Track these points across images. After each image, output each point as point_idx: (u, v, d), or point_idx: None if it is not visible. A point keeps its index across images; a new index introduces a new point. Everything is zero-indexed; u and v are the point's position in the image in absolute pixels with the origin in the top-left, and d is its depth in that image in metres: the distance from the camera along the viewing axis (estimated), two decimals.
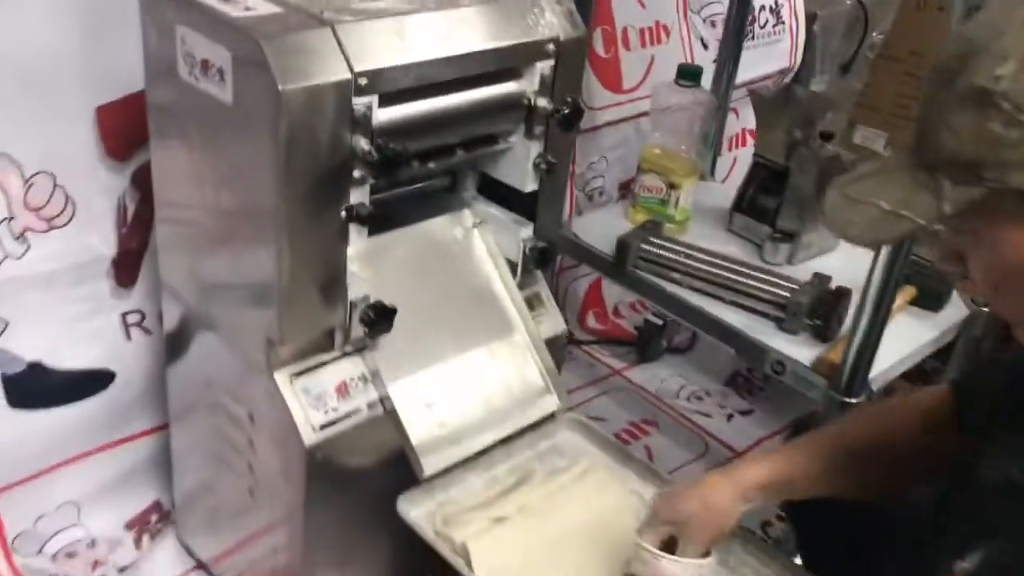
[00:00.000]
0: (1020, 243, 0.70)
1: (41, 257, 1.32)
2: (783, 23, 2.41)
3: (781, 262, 1.66)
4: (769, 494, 1.08)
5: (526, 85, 1.23)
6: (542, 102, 1.23)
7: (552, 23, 1.21)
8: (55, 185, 1.31)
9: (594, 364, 2.12)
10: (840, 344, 1.40)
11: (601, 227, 1.73)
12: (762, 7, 2.34)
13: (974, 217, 0.72)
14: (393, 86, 1.07)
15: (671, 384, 2.11)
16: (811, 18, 2.51)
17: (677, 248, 1.61)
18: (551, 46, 1.21)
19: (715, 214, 1.79)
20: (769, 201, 1.69)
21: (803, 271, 1.58)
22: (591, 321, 2.22)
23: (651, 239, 1.62)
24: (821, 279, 1.51)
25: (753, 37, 2.31)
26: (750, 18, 2.24)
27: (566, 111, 1.23)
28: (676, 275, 1.59)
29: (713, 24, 2.18)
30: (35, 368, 1.36)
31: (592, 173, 2.10)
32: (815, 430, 1.16)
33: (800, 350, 1.45)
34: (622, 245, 1.61)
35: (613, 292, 2.24)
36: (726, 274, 1.55)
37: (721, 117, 1.96)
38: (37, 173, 1.29)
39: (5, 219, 1.28)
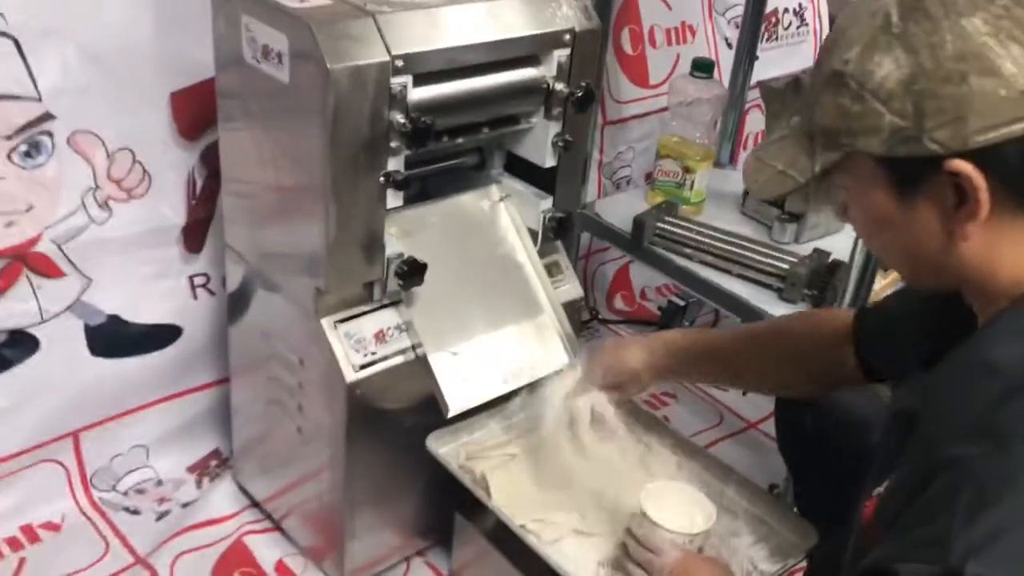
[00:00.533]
0: (875, 199, 0.82)
1: (121, 223, 1.47)
2: (807, 25, 2.52)
3: (788, 241, 1.77)
4: (673, 352, 1.28)
5: (545, 71, 1.35)
6: (559, 86, 1.35)
7: (568, 16, 1.34)
8: (134, 160, 1.45)
9: None
10: None
11: (623, 209, 1.85)
12: (786, 10, 2.45)
13: (840, 176, 0.84)
14: (426, 68, 1.21)
15: None
16: (835, 21, 2.61)
17: (689, 226, 1.73)
18: (567, 36, 1.34)
19: (730, 198, 1.91)
20: None
21: (809, 250, 1.67)
22: (618, 303, 2.34)
23: (666, 218, 1.75)
24: (820, 254, 1.62)
25: (777, 38, 2.42)
26: (774, 20, 2.36)
27: (580, 94, 1.35)
28: (688, 250, 1.71)
29: (737, 26, 2.26)
30: (114, 320, 1.52)
31: (620, 163, 2.22)
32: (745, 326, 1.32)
33: None
34: (638, 223, 1.74)
35: (641, 276, 2.35)
36: (733, 249, 1.67)
37: (738, 111, 2.07)
38: (119, 149, 1.43)
39: (91, 189, 1.43)
